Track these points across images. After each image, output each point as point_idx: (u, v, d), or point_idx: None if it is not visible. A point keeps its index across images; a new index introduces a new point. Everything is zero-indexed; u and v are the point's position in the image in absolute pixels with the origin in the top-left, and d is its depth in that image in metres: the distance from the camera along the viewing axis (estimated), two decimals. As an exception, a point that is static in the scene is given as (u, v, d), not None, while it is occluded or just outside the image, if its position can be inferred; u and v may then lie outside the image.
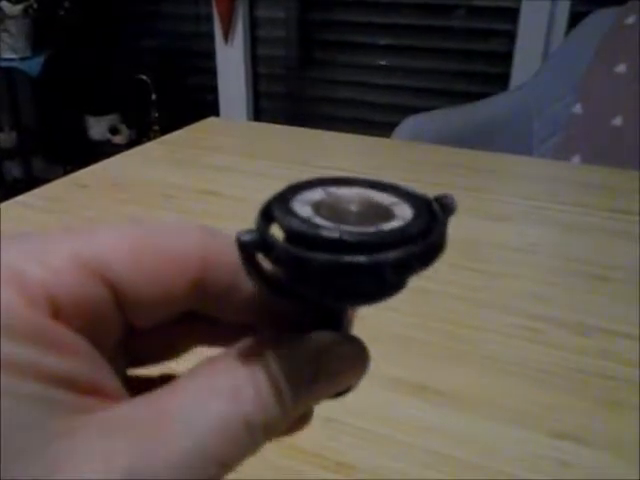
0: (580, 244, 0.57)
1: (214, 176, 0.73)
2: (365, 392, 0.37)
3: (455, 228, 0.67)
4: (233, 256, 0.14)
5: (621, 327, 0.43)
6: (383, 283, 0.14)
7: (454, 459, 0.32)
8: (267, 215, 0.15)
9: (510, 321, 0.44)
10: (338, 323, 0.17)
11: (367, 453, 0.32)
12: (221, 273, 0.16)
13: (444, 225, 0.15)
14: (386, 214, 0.15)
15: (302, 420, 0.17)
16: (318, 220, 0.14)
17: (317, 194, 0.16)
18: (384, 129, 1.36)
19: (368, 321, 0.44)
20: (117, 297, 0.15)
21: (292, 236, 0.14)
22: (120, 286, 0.15)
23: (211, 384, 0.14)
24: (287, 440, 0.32)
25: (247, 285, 0.16)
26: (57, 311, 0.13)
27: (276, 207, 0.15)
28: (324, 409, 0.34)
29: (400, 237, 0.14)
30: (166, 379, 0.15)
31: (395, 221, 0.14)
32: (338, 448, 0.32)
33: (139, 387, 0.15)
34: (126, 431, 0.13)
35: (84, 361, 0.14)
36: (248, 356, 0.14)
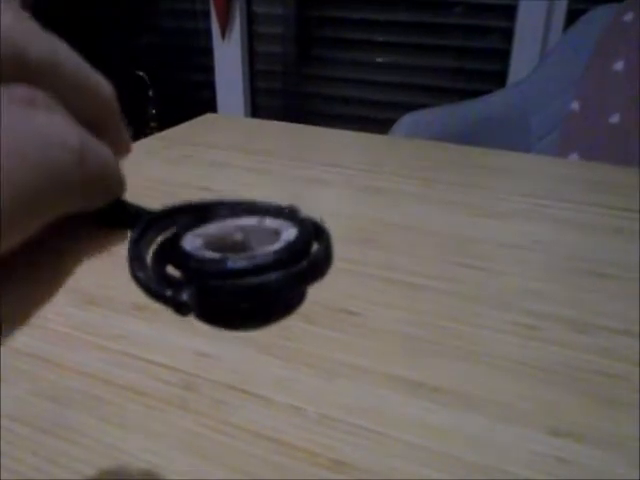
0: (579, 241, 0.57)
1: (211, 172, 0.73)
2: (361, 389, 0.37)
3: (453, 225, 0.67)
4: None
5: (620, 324, 0.43)
6: (270, 303, 0.15)
7: (450, 456, 0.32)
8: (163, 254, 0.17)
9: (509, 318, 0.44)
10: None
11: (362, 450, 0.32)
12: None
13: (327, 243, 0.16)
14: (273, 237, 0.16)
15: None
16: (207, 253, 0.16)
17: (211, 228, 0.18)
18: (382, 126, 1.35)
19: (364, 318, 0.44)
20: None
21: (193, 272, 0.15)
22: None
23: None
24: (280, 436, 0.32)
25: None
26: None
27: (170, 247, 0.17)
28: (319, 406, 0.34)
29: (275, 259, 0.15)
30: None
31: (277, 244, 0.16)
32: (332, 445, 0.32)
33: None
34: None
35: None
36: None
